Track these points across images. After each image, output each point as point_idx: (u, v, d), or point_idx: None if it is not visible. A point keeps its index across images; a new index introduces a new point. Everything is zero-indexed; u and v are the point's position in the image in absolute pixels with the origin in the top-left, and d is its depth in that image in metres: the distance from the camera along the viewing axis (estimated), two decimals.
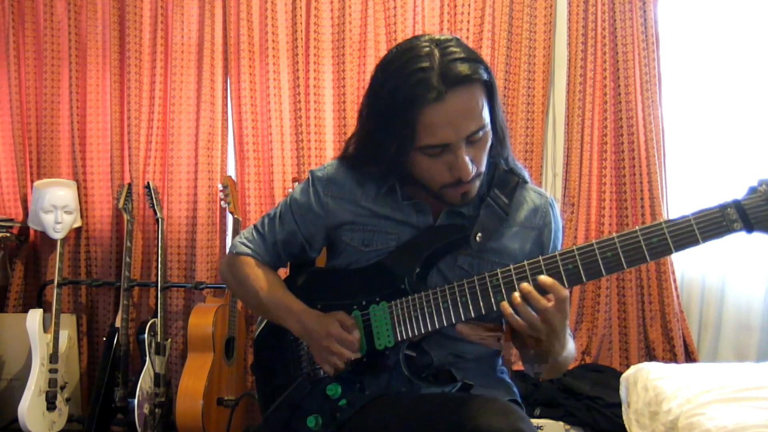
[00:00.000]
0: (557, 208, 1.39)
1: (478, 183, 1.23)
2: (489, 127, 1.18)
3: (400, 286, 1.25)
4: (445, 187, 1.21)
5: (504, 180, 1.30)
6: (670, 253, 1.08)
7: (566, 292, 1.10)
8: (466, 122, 1.14)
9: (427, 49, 1.14)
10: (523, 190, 1.34)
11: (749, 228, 1.05)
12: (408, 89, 1.12)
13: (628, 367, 2.42)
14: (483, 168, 1.22)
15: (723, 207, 1.05)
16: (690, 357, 2.75)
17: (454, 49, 1.13)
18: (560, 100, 2.91)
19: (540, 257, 1.14)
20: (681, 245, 1.07)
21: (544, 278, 1.11)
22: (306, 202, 1.38)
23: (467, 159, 1.16)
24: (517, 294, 1.11)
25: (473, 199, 1.25)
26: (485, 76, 1.14)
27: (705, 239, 1.06)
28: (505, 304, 1.12)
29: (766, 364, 2.28)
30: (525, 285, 1.11)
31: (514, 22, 2.87)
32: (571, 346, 1.23)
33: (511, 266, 1.16)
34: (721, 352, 2.78)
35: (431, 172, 1.20)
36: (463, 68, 1.11)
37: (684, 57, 2.84)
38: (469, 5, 2.87)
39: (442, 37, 1.16)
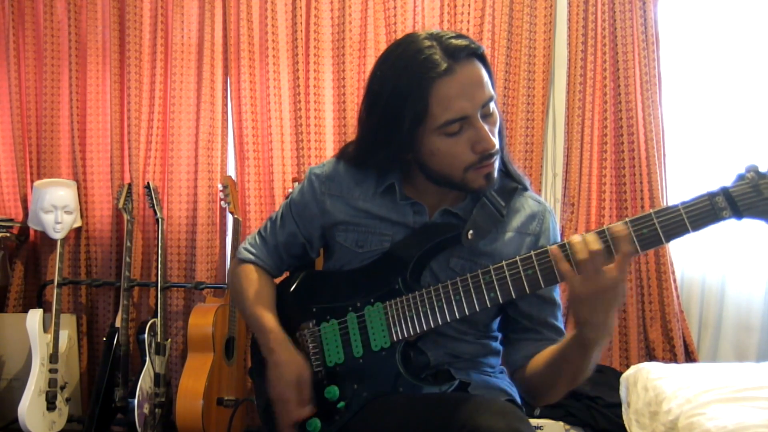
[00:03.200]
0: (555, 216, 1.38)
1: (498, 163, 1.24)
2: (495, 102, 1.21)
3: (395, 286, 1.25)
4: (469, 168, 1.20)
5: (502, 184, 1.30)
6: (661, 243, 1.07)
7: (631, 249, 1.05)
8: (478, 91, 1.16)
9: (425, 35, 1.18)
10: (521, 197, 1.34)
11: (738, 215, 1.04)
12: (416, 67, 1.15)
13: (628, 367, 2.42)
14: (498, 145, 1.21)
15: (711, 195, 1.05)
16: (690, 357, 2.75)
17: (447, 32, 1.19)
18: (560, 100, 2.90)
19: (532, 252, 1.14)
20: (671, 235, 1.06)
21: (615, 227, 1.05)
22: (303, 200, 1.39)
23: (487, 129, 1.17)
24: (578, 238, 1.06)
25: (493, 182, 1.24)
26: (481, 49, 1.19)
27: (695, 228, 1.05)
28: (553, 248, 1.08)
29: (766, 364, 2.28)
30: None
31: (514, 22, 2.86)
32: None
33: (503, 263, 1.16)
34: (721, 352, 2.77)
35: (453, 154, 1.19)
36: (462, 42, 1.16)
37: (684, 57, 2.84)
38: (469, 5, 2.86)
39: (432, 30, 1.21)
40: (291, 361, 1.27)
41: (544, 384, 1.27)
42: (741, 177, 1.06)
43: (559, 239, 1.36)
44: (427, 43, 1.16)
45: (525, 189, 1.35)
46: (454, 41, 1.15)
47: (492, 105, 1.19)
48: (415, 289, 1.23)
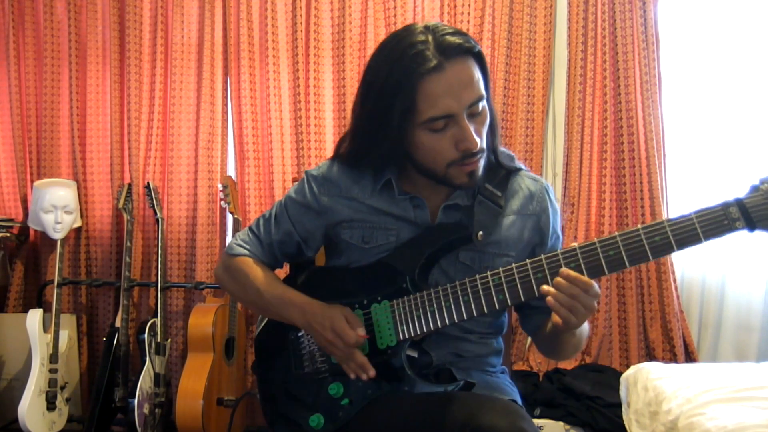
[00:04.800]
0: (552, 191, 1.39)
1: (483, 161, 1.24)
2: (485, 101, 1.20)
3: (402, 284, 1.25)
4: (452, 165, 1.21)
5: (494, 173, 1.31)
6: (672, 251, 1.09)
7: (591, 282, 1.11)
8: (466, 91, 1.16)
9: (421, 29, 1.18)
10: (517, 177, 1.36)
11: (751, 226, 1.05)
12: (407, 62, 1.15)
13: (628, 367, 2.42)
14: (485, 144, 1.22)
15: (725, 206, 1.06)
16: (690, 357, 2.75)
17: (445, 27, 1.18)
18: (560, 100, 2.91)
19: (542, 256, 1.15)
20: (683, 244, 1.08)
21: (565, 271, 1.11)
22: (303, 201, 1.38)
23: (472, 129, 1.17)
24: (559, 278, 1.11)
25: (479, 179, 1.25)
26: (477, 48, 1.18)
27: (707, 237, 1.06)
28: (545, 288, 1.12)
29: (766, 364, 2.28)
30: (558, 279, 1.11)
31: (514, 22, 2.87)
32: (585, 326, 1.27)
33: (513, 265, 1.17)
34: (721, 352, 2.77)
35: (436, 149, 1.20)
36: (457, 39, 1.15)
37: (684, 57, 2.84)
38: (469, 5, 2.87)
39: (431, 23, 1.20)
40: (328, 307, 1.26)
41: (556, 351, 1.35)
42: (755, 188, 1.06)
43: (558, 214, 1.39)
44: (422, 37, 1.16)
45: (518, 170, 1.36)
46: (448, 38, 1.15)
47: (481, 104, 1.19)
48: (423, 289, 1.23)
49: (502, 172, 1.33)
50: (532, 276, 1.15)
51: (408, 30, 1.20)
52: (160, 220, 2.95)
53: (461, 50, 1.15)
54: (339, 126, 3.00)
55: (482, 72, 1.19)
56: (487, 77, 1.21)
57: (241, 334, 2.97)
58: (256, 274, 1.38)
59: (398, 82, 1.15)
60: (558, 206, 1.40)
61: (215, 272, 1.50)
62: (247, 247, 1.43)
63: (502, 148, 1.34)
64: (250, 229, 1.46)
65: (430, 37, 1.15)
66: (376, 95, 1.20)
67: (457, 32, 1.17)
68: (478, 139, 1.18)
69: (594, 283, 1.11)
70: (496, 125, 1.28)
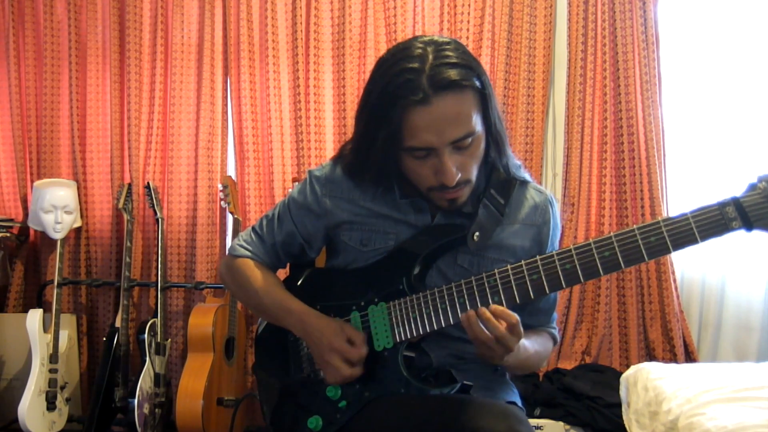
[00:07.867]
0: (557, 206, 1.39)
1: (467, 190, 1.23)
2: (480, 134, 1.17)
3: (399, 286, 1.25)
4: (432, 190, 1.21)
5: (501, 183, 1.30)
6: (668, 252, 1.07)
7: (516, 318, 1.12)
8: (451, 128, 1.12)
9: (421, 50, 1.13)
10: (523, 188, 1.34)
11: (748, 226, 1.03)
12: (394, 89, 1.12)
13: (628, 367, 2.42)
14: (472, 176, 1.20)
15: (722, 205, 1.04)
16: (690, 357, 2.75)
17: (449, 53, 1.12)
18: (560, 100, 2.91)
19: (537, 257, 1.14)
20: (679, 244, 1.06)
21: (495, 307, 1.12)
22: (304, 202, 1.38)
23: (452, 165, 1.15)
24: (473, 314, 1.12)
25: (466, 202, 1.25)
26: (477, 84, 1.13)
27: (703, 238, 1.04)
28: (465, 316, 1.14)
29: (766, 364, 2.28)
30: (483, 310, 1.12)
31: (514, 22, 2.86)
32: (532, 352, 1.26)
33: (509, 267, 1.16)
34: (721, 352, 2.77)
35: (417, 174, 1.20)
36: (453, 73, 1.10)
37: (684, 57, 2.84)
38: (469, 5, 2.86)
39: (441, 39, 1.15)
40: (327, 322, 1.26)
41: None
42: (753, 187, 1.04)
43: (558, 229, 1.38)
44: (416, 64, 1.11)
45: (526, 181, 1.35)
46: (445, 70, 1.10)
47: (468, 140, 1.15)
48: (420, 290, 1.23)
49: (510, 184, 1.31)
50: (527, 277, 1.14)
51: (406, 50, 1.15)
52: (160, 220, 2.95)
53: (455, 85, 1.10)
54: (339, 126, 3.00)
55: (481, 105, 1.15)
56: (488, 110, 1.17)
57: (241, 334, 2.97)
58: (257, 277, 1.38)
59: (385, 107, 1.13)
60: (559, 221, 1.40)
61: (219, 272, 1.51)
62: (250, 248, 1.43)
63: (514, 165, 1.32)
64: (253, 229, 1.46)
65: (427, 65, 1.10)
66: (368, 114, 1.20)
67: (459, 64, 1.11)
68: (457, 175, 1.16)
69: (518, 320, 1.12)
70: (503, 143, 1.25)
